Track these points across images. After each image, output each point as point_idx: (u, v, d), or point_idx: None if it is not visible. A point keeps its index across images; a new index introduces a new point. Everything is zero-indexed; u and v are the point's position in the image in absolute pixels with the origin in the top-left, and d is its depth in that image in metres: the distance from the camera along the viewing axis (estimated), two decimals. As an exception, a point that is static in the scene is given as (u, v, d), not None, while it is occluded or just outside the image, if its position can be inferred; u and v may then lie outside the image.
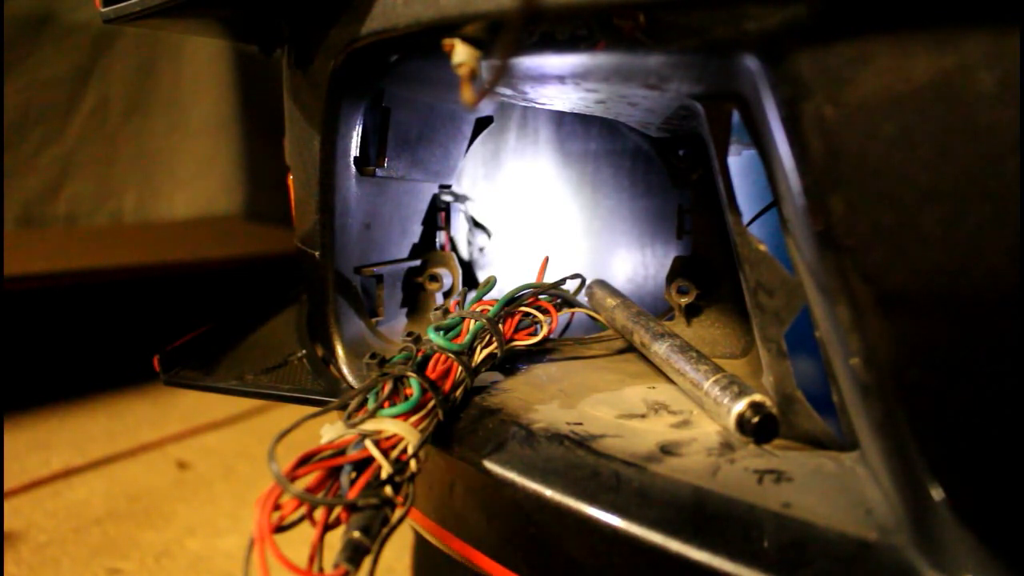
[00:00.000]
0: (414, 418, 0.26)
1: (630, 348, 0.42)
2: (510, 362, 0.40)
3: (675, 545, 0.23)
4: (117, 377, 1.27)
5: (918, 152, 0.19)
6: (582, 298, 0.47)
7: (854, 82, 0.20)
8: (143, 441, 1.03)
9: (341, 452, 0.23)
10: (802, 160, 0.22)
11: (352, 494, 0.23)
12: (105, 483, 0.90)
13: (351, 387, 0.39)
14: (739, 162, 0.31)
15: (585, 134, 0.56)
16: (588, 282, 0.47)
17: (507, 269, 0.59)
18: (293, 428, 0.23)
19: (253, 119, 1.41)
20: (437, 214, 0.53)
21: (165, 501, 0.85)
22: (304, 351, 0.44)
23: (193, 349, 0.46)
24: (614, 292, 0.45)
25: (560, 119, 0.56)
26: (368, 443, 0.24)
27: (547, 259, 0.44)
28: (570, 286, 0.44)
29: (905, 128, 0.19)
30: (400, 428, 0.25)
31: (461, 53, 0.24)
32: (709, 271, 0.42)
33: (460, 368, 0.31)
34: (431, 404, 0.27)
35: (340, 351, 0.41)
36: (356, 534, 0.22)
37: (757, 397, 0.28)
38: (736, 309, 0.41)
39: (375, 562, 0.23)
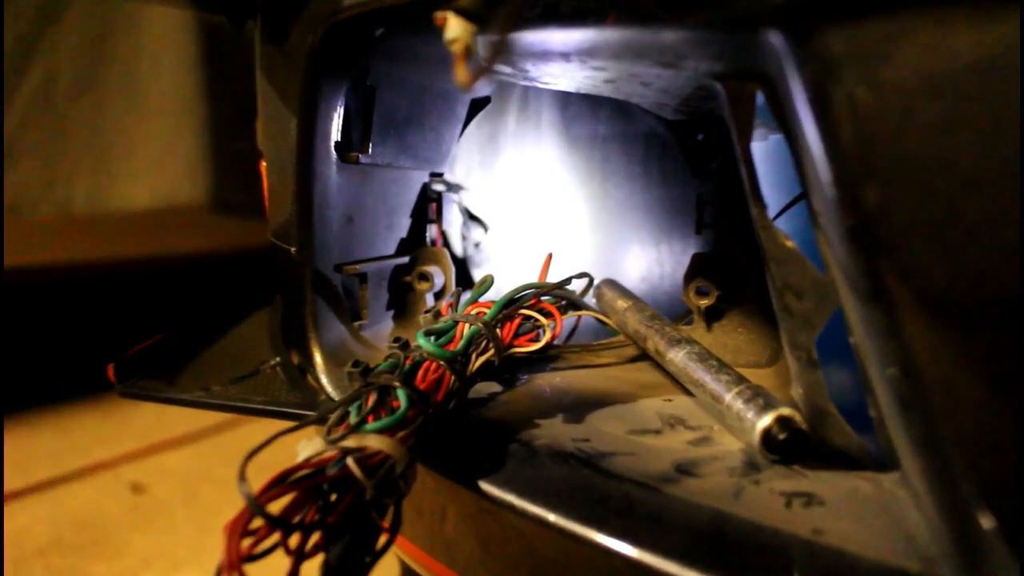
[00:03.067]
0: (402, 433, 0.26)
1: (643, 356, 0.42)
2: (509, 371, 0.40)
3: None
4: (65, 388, 1.27)
5: (961, 138, 0.20)
6: (590, 299, 0.47)
7: (890, 60, 0.20)
8: (93, 461, 1.04)
9: (320, 471, 0.24)
10: (833, 147, 0.22)
11: (332, 518, 0.23)
12: (49, 509, 0.90)
13: (331, 399, 0.40)
14: (764, 148, 0.31)
15: (593, 117, 0.56)
16: (597, 282, 0.48)
17: (506, 267, 0.59)
18: (266, 445, 0.24)
19: (221, 99, 1.41)
20: (428, 205, 0.53)
21: (118, 529, 0.86)
22: (278, 359, 0.45)
23: (153, 356, 0.47)
24: (626, 293, 0.45)
25: (565, 100, 0.56)
26: (350, 461, 0.24)
27: (550, 256, 0.44)
28: (576, 286, 0.44)
29: (947, 111, 0.20)
30: (386, 445, 0.25)
31: (454, 28, 0.25)
32: (732, 270, 0.43)
33: (453, 377, 0.31)
34: (420, 418, 0.28)
35: (319, 358, 0.41)
36: (336, 563, 0.23)
37: (785, 411, 0.28)
38: (762, 312, 0.42)
39: (358, 594, 0.23)
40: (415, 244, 0.52)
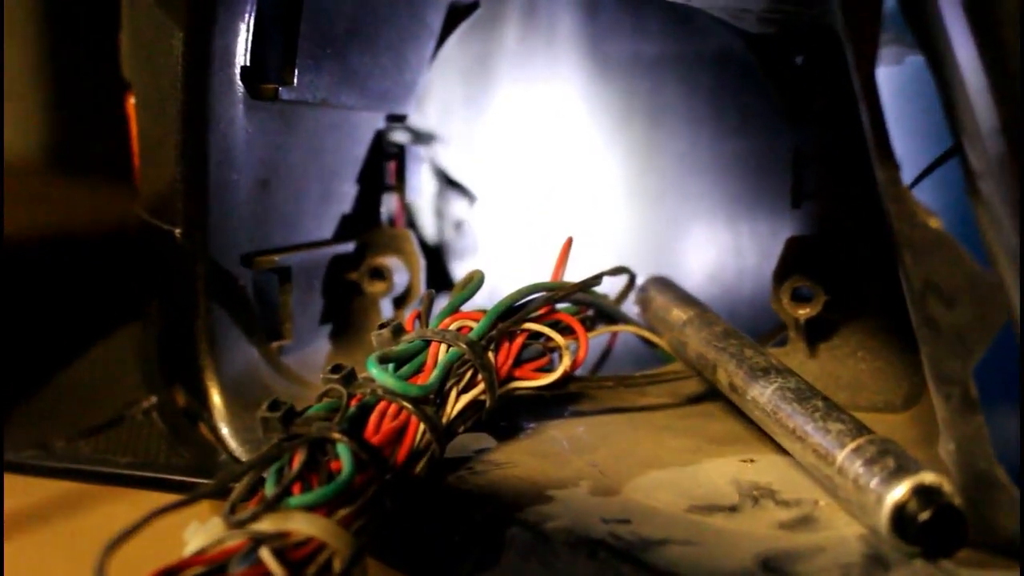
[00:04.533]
0: (344, 511, 0.26)
1: (712, 393, 0.43)
2: (508, 416, 0.40)
3: None
4: None
5: None
6: (630, 308, 0.47)
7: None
8: None
9: (221, 569, 0.24)
10: (999, 75, 0.22)
11: (239, 640, 0.23)
12: None
13: (235, 459, 0.40)
14: (897, 77, 0.31)
15: (636, 28, 0.56)
16: (641, 281, 0.48)
17: (503, 259, 0.59)
18: (136, 530, 0.24)
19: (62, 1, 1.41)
20: (384, 165, 0.53)
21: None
22: (154, 399, 0.45)
23: (-39, 395, 0.47)
24: (685, 298, 0.45)
25: (594, 3, 0.57)
26: (265, 554, 0.24)
27: (570, 241, 0.44)
28: (610, 287, 0.44)
29: None
30: (320, 528, 0.25)
31: None
32: (847, 263, 0.43)
33: (423, 426, 0.31)
34: (373, 487, 0.28)
35: (217, 398, 0.41)
36: None
37: (927, 478, 0.28)
38: (893, 328, 0.42)
39: None
40: (364, 224, 0.52)
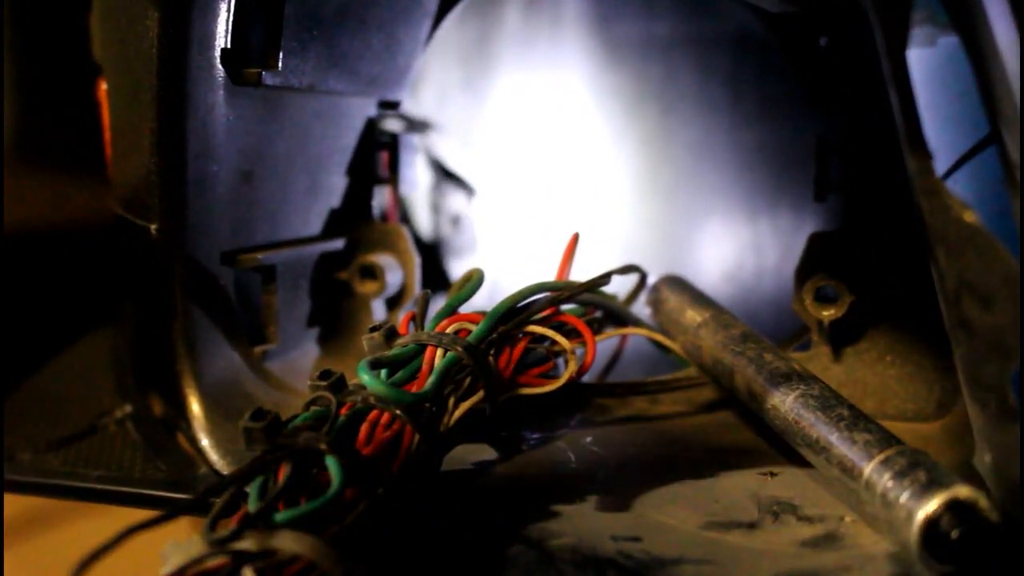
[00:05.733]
0: (333, 528, 0.26)
1: (729, 401, 0.43)
2: (510, 426, 0.40)
3: None
4: None
5: None
6: (641, 309, 0.47)
7: None
8: None
9: (200, 591, 0.24)
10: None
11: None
12: None
13: (216, 473, 0.40)
14: (930, 59, 0.31)
15: (648, 8, 0.56)
16: (653, 280, 0.48)
17: (503, 256, 0.59)
18: (108, 550, 0.24)
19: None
20: (376, 156, 0.53)
21: None
22: (128, 408, 0.45)
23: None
24: (700, 299, 0.45)
25: (602, -20, 0.57)
26: (248, 574, 0.24)
27: (576, 238, 0.44)
28: (619, 287, 0.44)
29: None
30: (307, 546, 0.25)
31: None
32: (874, 260, 0.43)
33: (418, 437, 0.31)
34: (364, 502, 0.28)
35: (196, 407, 0.41)
36: None
37: (961, 492, 0.28)
38: (924, 331, 0.42)
39: None
40: (355, 219, 0.52)
